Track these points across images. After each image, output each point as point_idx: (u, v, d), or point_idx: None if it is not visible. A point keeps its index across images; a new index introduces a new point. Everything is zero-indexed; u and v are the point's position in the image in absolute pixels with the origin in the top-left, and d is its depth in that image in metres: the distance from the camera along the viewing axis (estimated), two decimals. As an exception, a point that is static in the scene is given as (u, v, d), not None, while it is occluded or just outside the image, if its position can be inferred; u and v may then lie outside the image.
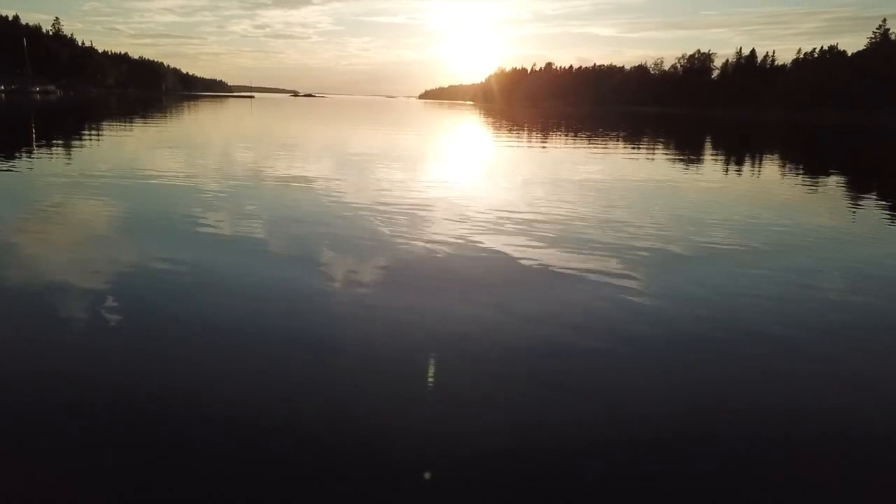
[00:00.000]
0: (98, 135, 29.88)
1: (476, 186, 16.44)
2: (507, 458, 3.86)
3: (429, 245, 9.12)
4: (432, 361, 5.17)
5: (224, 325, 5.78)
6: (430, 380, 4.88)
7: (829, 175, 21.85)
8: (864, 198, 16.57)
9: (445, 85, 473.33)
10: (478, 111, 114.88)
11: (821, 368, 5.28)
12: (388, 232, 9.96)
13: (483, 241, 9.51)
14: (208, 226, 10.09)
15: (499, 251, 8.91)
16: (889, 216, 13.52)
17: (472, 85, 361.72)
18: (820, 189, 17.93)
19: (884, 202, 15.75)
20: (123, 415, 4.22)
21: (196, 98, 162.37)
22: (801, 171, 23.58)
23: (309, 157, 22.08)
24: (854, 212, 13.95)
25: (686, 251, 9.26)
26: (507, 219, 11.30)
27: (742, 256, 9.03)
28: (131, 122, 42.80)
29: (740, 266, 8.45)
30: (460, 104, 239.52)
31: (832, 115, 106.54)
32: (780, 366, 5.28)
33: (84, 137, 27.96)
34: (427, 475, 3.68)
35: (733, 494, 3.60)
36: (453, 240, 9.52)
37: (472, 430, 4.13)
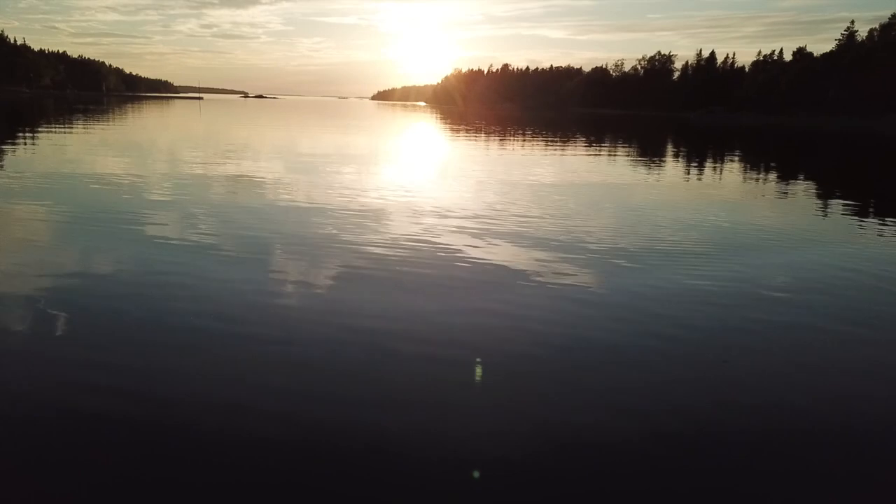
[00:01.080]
0: (31, 138, 29.10)
1: (429, 187, 16.72)
2: (468, 459, 3.97)
3: (383, 245, 9.37)
4: (391, 361, 5.30)
5: (173, 329, 5.86)
6: (390, 380, 4.97)
7: (795, 178, 22.84)
8: (827, 199, 17.22)
9: (398, 86, 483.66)
10: (432, 112, 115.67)
11: (779, 363, 5.57)
12: (341, 233, 10.18)
13: (438, 241, 9.79)
14: (154, 230, 10.04)
15: (453, 251, 9.18)
16: (841, 216, 14.16)
17: (426, 86, 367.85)
18: (786, 191, 18.66)
19: (840, 203, 16.49)
20: (74, 422, 4.26)
21: (140, 99, 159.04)
22: (766, 173, 24.57)
23: (262, 160, 22.16)
24: (817, 214, 14.53)
25: (639, 251, 9.60)
26: (461, 219, 11.65)
27: (697, 257, 9.39)
28: (69, 124, 41.81)
29: (695, 266, 8.78)
30: (414, 105, 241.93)
31: (801, 118, 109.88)
32: (736, 362, 5.54)
33: (10, 142, 26.95)
34: (384, 475, 3.81)
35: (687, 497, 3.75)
36: (408, 240, 9.77)
37: (434, 431, 4.26)
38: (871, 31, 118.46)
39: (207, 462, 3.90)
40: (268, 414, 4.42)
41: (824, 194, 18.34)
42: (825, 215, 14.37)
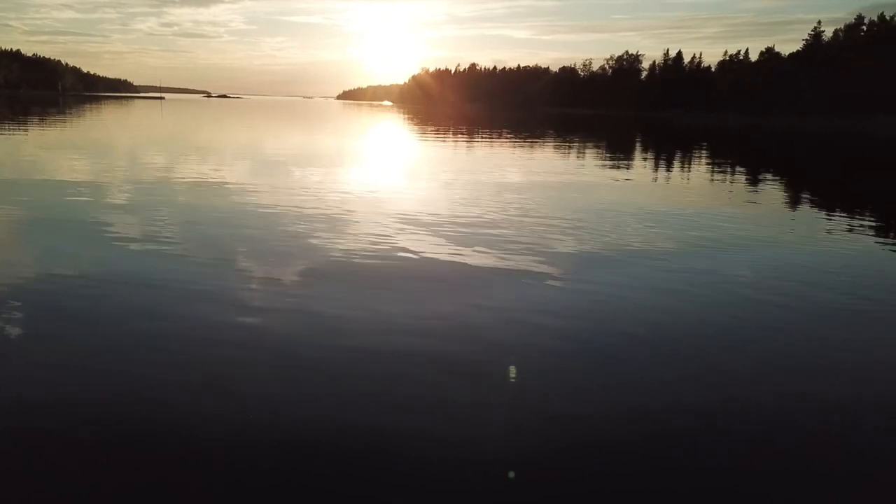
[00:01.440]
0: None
1: (396, 189, 16.90)
2: (430, 461, 4.06)
3: (349, 246, 9.51)
4: (359, 362, 5.41)
5: (134, 334, 5.88)
6: (358, 380, 5.08)
7: (762, 179, 23.21)
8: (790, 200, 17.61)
9: (364, 85, 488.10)
10: (399, 112, 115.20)
11: (749, 360, 5.80)
12: (307, 234, 10.27)
13: (403, 241, 9.95)
14: (118, 234, 9.97)
15: (418, 252, 9.32)
16: (795, 216, 14.71)
17: (392, 85, 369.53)
18: (757, 192, 19.02)
19: (802, 204, 16.93)
20: (39, 429, 4.27)
21: (99, 99, 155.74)
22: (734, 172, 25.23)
23: (229, 161, 22.08)
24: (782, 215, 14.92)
25: (601, 249, 9.90)
26: (426, 220, 11.83)
27: (662, 256, 9.67)
28: (23, 125, 40.81)
29: (661, 265, 9.05)
30: (381, 105, 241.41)
31: (777, 118, 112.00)
32: (699, 361, 5.74)
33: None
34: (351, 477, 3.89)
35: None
36: (373, 241, 9.92)
37: (402, 431, 4.36)
38: (835, 32, 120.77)
39: (171, 464, 3.95)
40: (240, 418, 4.46)
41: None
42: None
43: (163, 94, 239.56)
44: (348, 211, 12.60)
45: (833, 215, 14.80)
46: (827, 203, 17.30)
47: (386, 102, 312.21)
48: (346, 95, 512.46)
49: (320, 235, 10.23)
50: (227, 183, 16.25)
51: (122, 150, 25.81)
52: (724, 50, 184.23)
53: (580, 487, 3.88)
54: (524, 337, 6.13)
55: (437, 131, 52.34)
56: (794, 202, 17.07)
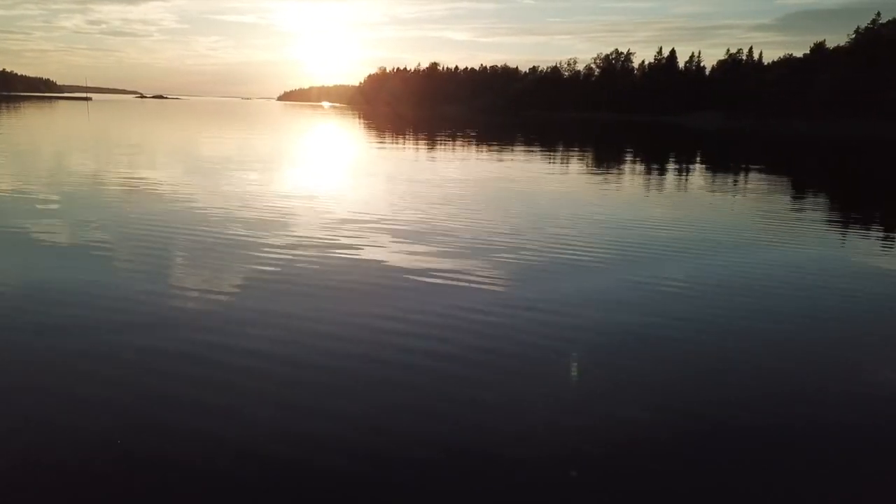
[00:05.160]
0: None
1: (339, 192, 17.87)
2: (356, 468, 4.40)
3: (289, 251, 10.14)
4: (303, 368, 5.81)
5: (65, 344, 6.16)
6: (298, 388, 5.43)
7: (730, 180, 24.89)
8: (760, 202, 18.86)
9: (306, 86, 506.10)
10: (355, 117, 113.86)
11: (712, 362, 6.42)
12: (246, 239, 10.92)
13: (343, 245, 10.68)
14: (44, 238, 10.31)
15: (358, 256, 10.01)
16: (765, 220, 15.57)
17: (338, 86, 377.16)
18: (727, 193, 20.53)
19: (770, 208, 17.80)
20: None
21: (16, 99, 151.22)
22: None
23: (166, 166, 22.45)
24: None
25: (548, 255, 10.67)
26: (369, 224, 12.68)
27: (621, 263, 10.37)
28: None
29: (621, 271, 9.76)
30: (332, 107, 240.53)
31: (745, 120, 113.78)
32: (651, 367, 6.21)
33: None
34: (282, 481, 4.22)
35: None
36: (314, 245, 10.60)
37: (336, 436, 4.73)
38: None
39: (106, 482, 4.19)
40: (176, 427, 4.76)
41: None
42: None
43: (89, 95, 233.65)
44: (289, 213, 13.49)
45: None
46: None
47: (325, 104, 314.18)
48: (288, 97, 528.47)
49: (256, 240, 10.82)
50: (162, 187, 16.86)
51: (46, 154, 25.43)
52: (654, 53, 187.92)
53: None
54: (467, 340, 6.65)
55: (387, 136, 52.16)
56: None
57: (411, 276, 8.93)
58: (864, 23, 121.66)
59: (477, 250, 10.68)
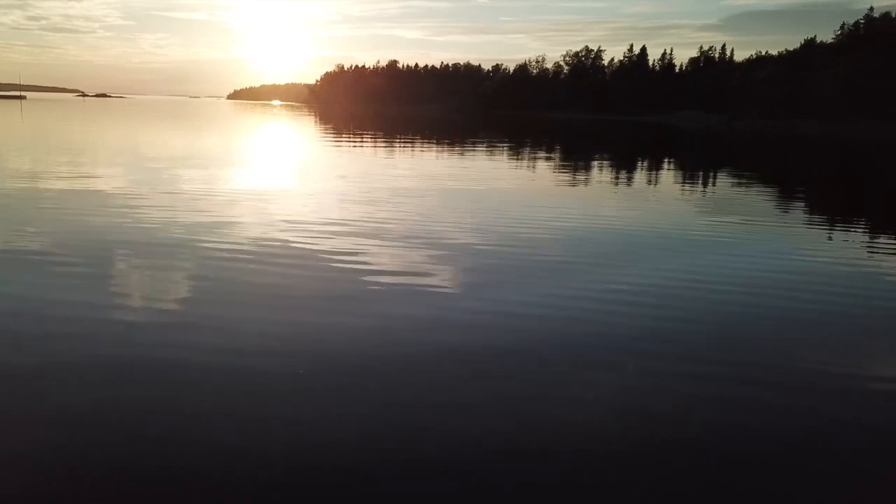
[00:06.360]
0: None
1: (288, 193, 18.16)
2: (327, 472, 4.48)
3: (237, 255, 10.22)
4: (247, 377, 5.83)
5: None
6: (240, 397, 5.46)
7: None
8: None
9: (257, 84, 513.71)
10: (308, 114, 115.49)
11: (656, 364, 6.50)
12: (192, 243, 10.84)
13: (296, 247, 10.86)
14: None
15: (309, 259, 10.14)
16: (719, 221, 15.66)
17: (290, 84, 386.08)
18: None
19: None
20: None
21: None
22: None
23: (109, 169, 22.31)
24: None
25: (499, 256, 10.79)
26: (318, 225, 12.81)
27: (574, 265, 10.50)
28: None
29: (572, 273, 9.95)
30: (276, 105, 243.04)
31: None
32: (600, 375, 6.26)
33: None
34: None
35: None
36: (262, 248, 10.68)
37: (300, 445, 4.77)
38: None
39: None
40: (122, 437, 4.78)
41: None
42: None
43: (23, 93, 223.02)
44: (238, 215, 13.67)
45: None
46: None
47: (276, 102, 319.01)
48: (238, 95, 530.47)
49: (202, 244, 10.77)
50: (99, 193, 16.53)
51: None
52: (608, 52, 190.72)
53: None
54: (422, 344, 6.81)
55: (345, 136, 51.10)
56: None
57: (369, 279, 9.14)
58: (804, 24, 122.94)
59: (436, 251, 10.95)
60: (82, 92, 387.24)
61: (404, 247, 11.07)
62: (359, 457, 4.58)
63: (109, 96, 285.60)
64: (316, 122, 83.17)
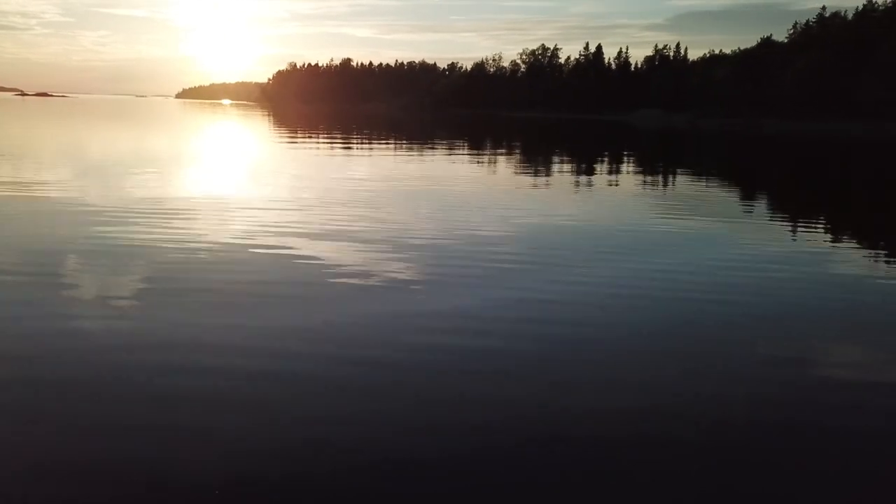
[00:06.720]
0: None
1: (242, 193, 18.40)
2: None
3: (190, 256, 10.14)
4: (204, 380, 5.72)
5: None
6: (197, 402, 5.34)
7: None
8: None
9: (206, 83, 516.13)
10: (261, 113, 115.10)
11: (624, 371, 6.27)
12: (144, 243, 10.85)
13: (254, 248, 10.77)
14: None
15: (269, 259, 10.10)
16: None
17: (239, 83, 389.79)
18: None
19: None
20: None
21: None
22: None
23: (48, 169, 22.39)
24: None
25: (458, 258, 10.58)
26: (274, 224, 12.81)
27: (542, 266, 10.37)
28: None
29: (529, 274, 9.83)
30: (226, 104, 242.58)
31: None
32: (564, 373, 6.19)
33: None
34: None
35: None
36: (218, 249, 10.59)
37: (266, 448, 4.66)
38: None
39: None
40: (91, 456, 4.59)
41: None
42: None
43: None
44: (189, 215, 13.50)
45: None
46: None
47: (226, 101, 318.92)
48: (187, 94, 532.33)
49: (155, 247, 10.62)
50: (47, 188, 17.06)
51: None
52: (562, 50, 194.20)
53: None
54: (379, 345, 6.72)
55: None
56: None
57: (331, 280, 9.11)
58: (747, 23, 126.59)
59: (393, 251, 10.84)
60: (21, 91, 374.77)
61: (363, 248, 10.96)
62: (330, 459, 4.56)
63: (51, 95, 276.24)
64: (270, 121, 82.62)
